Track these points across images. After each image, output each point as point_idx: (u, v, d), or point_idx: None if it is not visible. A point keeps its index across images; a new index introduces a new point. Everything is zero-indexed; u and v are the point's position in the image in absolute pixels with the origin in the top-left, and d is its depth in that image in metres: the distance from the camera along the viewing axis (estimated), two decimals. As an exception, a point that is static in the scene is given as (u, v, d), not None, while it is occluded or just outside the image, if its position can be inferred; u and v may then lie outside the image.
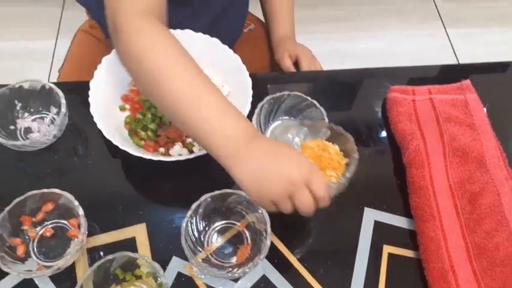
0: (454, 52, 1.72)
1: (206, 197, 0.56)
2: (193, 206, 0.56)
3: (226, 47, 0.68)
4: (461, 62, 1.69)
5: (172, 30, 0.68)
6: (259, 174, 0.48)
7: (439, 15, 1.82)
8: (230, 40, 0.87)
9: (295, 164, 0.48)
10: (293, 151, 0.50)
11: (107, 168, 0.66)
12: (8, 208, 0.55)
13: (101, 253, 0.59)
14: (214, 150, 0.50)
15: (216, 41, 0.69)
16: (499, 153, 0.63)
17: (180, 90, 0.50)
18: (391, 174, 0.66)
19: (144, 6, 0.55)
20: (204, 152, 0.59)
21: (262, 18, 0.99)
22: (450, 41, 1.74)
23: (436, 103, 0.68)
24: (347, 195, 0.63)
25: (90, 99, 0.61)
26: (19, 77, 1.63)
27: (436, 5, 1.85)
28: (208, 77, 0.52)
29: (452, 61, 1.69)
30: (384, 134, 0.70)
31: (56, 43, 1.60)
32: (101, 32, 0.87)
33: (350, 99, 0.75)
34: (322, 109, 0.65)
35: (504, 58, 0.86)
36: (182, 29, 0.68)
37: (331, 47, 1.63)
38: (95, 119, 0.59)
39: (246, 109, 0.62)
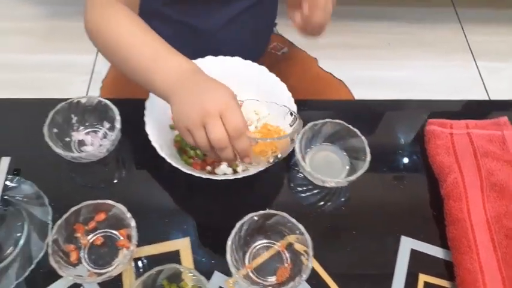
0: (484, 84, 1.72)
1: (251, 215, 0.59)
2: (238, 224, 0.58)
3: (273, 74, 0.72)
4: (490, 94, 1.70)
5: (221, 57, 0.73)
6: (183, 100, 0.54)
7: (469, 47, 1.84)
8: (262, 37, 0.90)
9: (215, 96, 0.52)
10: (220, 85, 0.54)
11: (154, 183, 0.69)
12: (65, 216, 0.59)
13: (145, 262, 0.61)
14: (157, 88, 0.57)
15: (263, 68, 0.73)
16: (536, 191, 0.64)
17: (132, 38, 0.59)
18: (428, 204, 0.67)
19: None
20: (249, 173, 0.62)
21: (295, 42, 1.02)
22: (480, 73, 1.76)
23: (474, 138, 0.70)
24: (384, 222, 0.66)
25: (145, 119, 0.64)
26: (60, 88, 1.70)
27: (466, 37, 1.87)
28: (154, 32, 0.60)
29: (481, 93, 1.70)
30: (421, 165, 0.72)
31: (96, 57, 1.67)
32: None
33: (388, 129, 0.77)
34: (363, 138, 0.67)
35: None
36: (212, 17, 0.75)
37: (358, 75, 1.66)
38: (150, 137, 0.63)
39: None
